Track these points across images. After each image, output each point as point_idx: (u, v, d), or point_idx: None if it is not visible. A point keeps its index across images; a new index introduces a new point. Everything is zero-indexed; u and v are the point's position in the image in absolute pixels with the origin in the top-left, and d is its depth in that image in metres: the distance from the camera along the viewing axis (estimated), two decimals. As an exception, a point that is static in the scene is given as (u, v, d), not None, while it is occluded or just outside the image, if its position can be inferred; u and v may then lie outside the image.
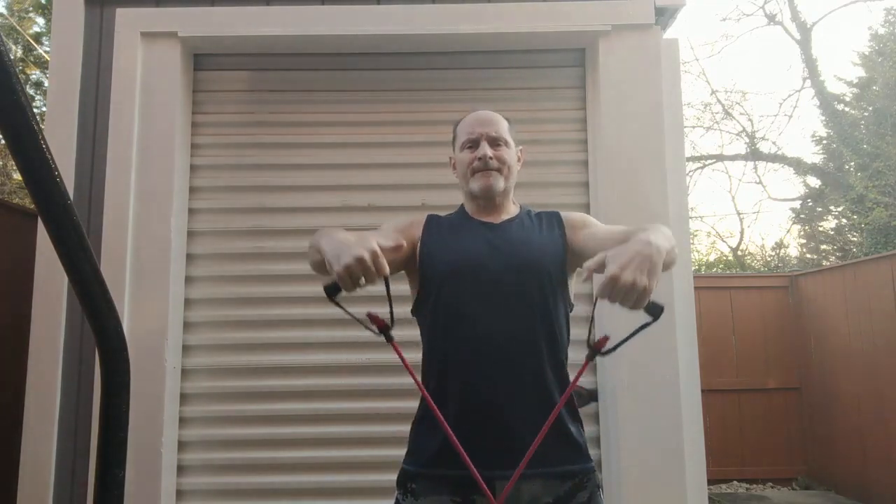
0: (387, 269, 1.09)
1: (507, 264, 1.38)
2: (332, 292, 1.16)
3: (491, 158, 1.44)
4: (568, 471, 1.31)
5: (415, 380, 1.23)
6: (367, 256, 1.07)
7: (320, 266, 1.23)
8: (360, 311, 1.18)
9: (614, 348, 1.14)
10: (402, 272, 1.50)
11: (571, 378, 1.42)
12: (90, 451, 2.20)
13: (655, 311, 1.08)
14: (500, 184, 1.46)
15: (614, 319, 1.26)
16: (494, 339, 1.32)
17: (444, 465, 1.29)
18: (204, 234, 2.46)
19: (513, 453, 1.28)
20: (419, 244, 1.45)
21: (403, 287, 1.53)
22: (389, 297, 1.19)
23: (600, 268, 1.06)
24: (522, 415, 1.30)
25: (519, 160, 1.54)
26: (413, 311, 1.48)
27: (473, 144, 1.47)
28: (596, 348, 1.14)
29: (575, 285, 1.50)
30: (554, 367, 1.36)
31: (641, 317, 1.08)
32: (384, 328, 1.19)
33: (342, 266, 1.07)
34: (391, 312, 1.20)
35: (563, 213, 1.52)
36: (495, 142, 1.46)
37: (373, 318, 1.18)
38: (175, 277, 2.34)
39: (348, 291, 1.12)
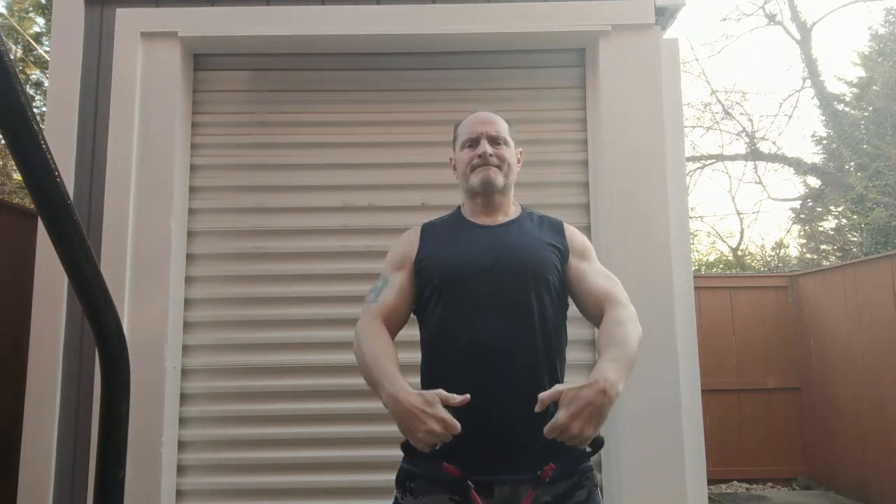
0: (458, 427, 1.14)
1: (505, 268, 1.38)
2: (409, 452, 1.25)
3: (491, 155, 1.45)
4: (565, 472, 1.31)
5: None
6: (437, 428, 1.13)
7: (369, 382, 1.29)
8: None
9: (559, 478, 1.26)
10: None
11: (567, 379, 1.43)
12: (90, 451, 2.20)
13: (597, 445, 1.20)
14: (499, 179, 1.46)
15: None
16: (492, 343, 1.32)
17: (439, 465, 1.29)
18: (204, 234, 2.46)
19: (511, 456, 1.28)
20: (416, 260, 1.45)
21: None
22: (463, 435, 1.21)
23: (555, 399, 1.13)
24: (520, 418, 1.29)
25: (518, 161, 1.54)
26: (414, 312, 1.48)
27: (473, 143, 1.48)
28: (543, 476, 1.24)
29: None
30: (551, 370, 1.36)
31: None
32: (463, 477, 1.24)
33: (417, 440, 1.15)
34: (465, 478, 1.25)
35: (567, 228, 1.52)
36: (495, 140, 1.47)
37: (449, 471, 1.24)
38: (175, 277, 2.33)
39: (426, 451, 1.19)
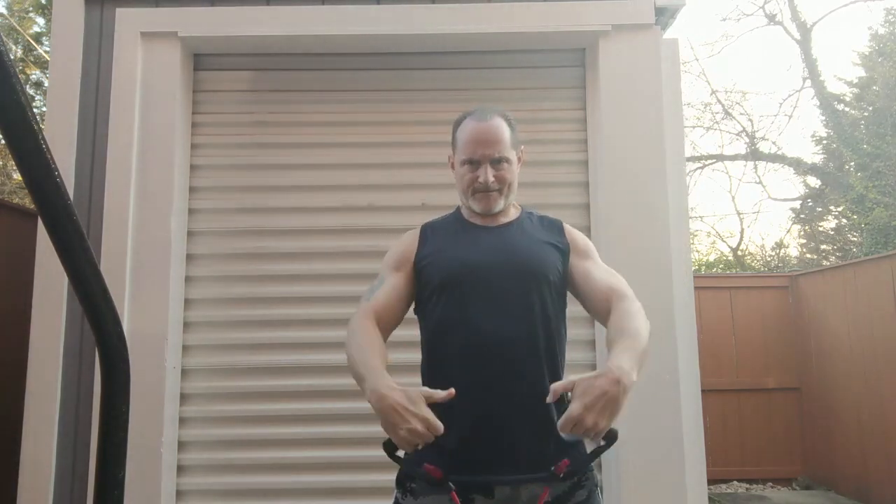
0: (441, 428, 1.12)
1: (505, 268, 1.37)
2: (391, 450, 1.22)
3: (493, 182, 1.42)
4: (566, 472, 1.31)
5: None
6: (420, 428, 1.11)
7: (357, 378, 1.28)
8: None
9: (571, 474, 1.23)
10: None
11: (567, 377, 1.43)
12: (90, 451, 2.20)
13: (611, 438, 1.15)
14: (499, 204, 1.45)
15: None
16: (493, 344, 1.32)
17: (439, 465, 1.29)
18: (204, 234, 2.46)
19: (512, 457, 1.28)
20: (414, 262, 1.45)
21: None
22: (445, 441, 1.20)
23: (568, 389, 1.11)
24: (521, 419, 1.29)
25: (519, 160, 1.53)
26: (414, 311, 1.48)
27: (474, 164, 1.43)
28: (556, 472, 1.21)
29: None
30: (552, 370, 1.36)
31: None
32: (444, 478, 1.22)
33: (399, 438, 1.13)
34: (448, 479, 1.24)
35: (567, 227, 1.51)
36: (497, 162, 1.43)
37: (430, 471, 1.22)
38: (175, 277, 2.34)
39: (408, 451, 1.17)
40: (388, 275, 1.44)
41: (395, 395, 1.15)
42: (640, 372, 1.14)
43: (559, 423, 1.09)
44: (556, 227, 1.50)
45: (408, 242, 1.49)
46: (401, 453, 1.23)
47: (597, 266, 1.45)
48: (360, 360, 1.26)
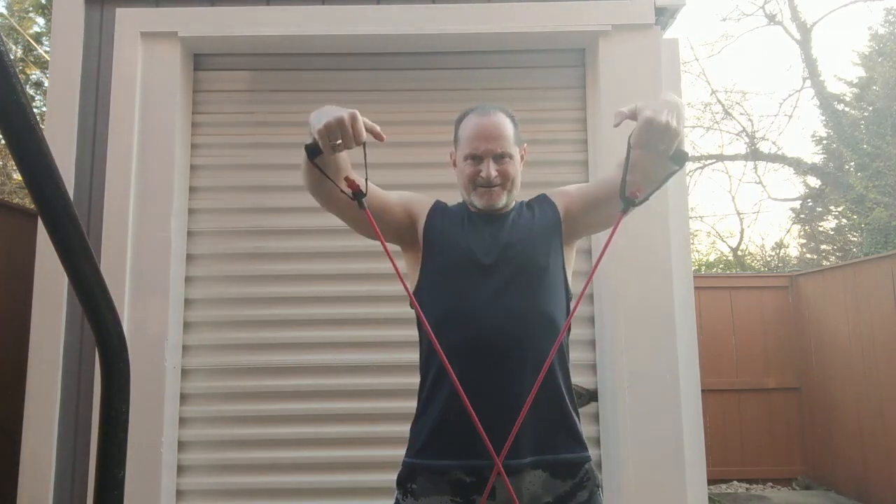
0: (364, 136, 1.18)
1: (507, 257, 1.39)
2: (312, 152, 1.22)
3: (495, 177, 1.42)
4: (567, 460, 1.31)
5: (383, 245, 1.25)
6: (346, 119, 1.16)
7: (306, 173, 1.30)
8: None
9: (647, 197, 1.21)
10: (398, 251, 1.50)
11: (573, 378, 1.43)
12: (90, 451, 2.20)
13: (681, 158, 1.17)
14: (502, 200, 1.45)
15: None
16: (495, 331, 1.32)
17: (441, 453, 1.29)
18: (204, 234, 2.46)
19: (514, 448, 1.28)
20: (423, 227, 1.46)
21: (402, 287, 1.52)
22: (366, 164, 1.25)
23: (633, 115, 1.15)
24: (521, 407, 1.30)
25: (522, 158, 1.53)
26: (411, 304, 1.48)
27: (476, 160, 1.44)
28: (631, 197, 1.19)
29: (574, 286, 1.50)
30: (559, 357, 1.36)
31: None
32: (357, 192, 1.23)
33: (323, 125, 1.16)
34: (366, 179, 1.26)
35: (550, 191, 1.56)
36: (500, 157, 1.43)
37: (349, 182, 1.23)
38: (175, 277, 2.34)
39: (327, 154, 1.19)
40: (393, 194, 1.49)
41: (335, 104, 1.22)
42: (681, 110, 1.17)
43: (633, 135, 1.15)
44: (543, 200, 1.53)
45: (421, 200, 1.54)
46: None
47: (591, 182, 1.50)
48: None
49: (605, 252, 1.22)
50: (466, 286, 1.36)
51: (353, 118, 1.17)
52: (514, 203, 1.53)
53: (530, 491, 1.29)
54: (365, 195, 1.24)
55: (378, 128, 1.23)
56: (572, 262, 1.51)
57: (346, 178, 1.23)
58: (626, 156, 1.17)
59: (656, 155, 1.16)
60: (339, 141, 1.16)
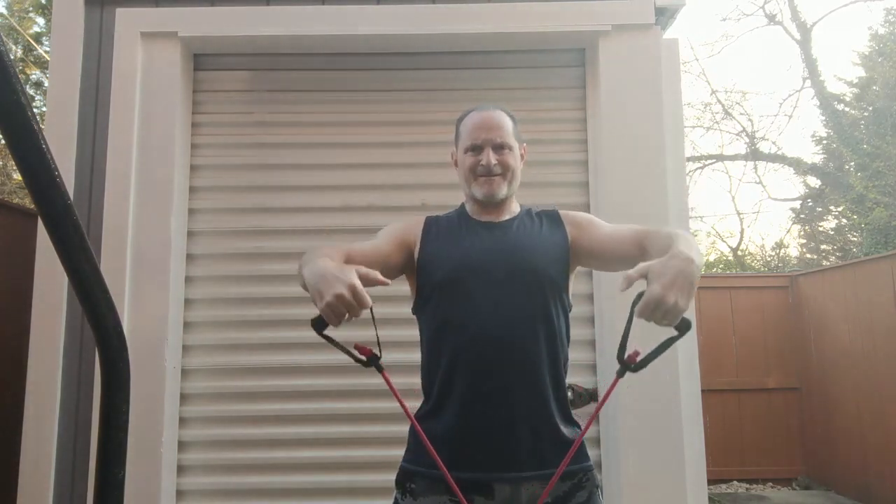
0: (368, 302, 1.11)
1: (508, 265, 1.37)
2: (319, 327, 1.18)
3: (495, 165, 1.43)
4: (566, 472, 1.31)
5: (402, 405, 1.22)
6: (346, 293, 1.09)
7: (305, 287, 1.23)
8: (346, 339, 1.19)
9: (644, 364, 1.15)
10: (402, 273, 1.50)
11: (568, 381, 1.43)
12: (90, 451, 2.20)
13: (684, 327, 1.12)
14: (503, 189, 1.45)
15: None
16: (495, 342, 1.32)
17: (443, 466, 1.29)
18: (204, 234, 2.46)
19: (512, 455, 1.28)
20: (418, 249, 1.44)
21: (402, 287, 1.53)
22: (375, 326, 1.22)
23: (641, 277, 1.09)
24: (521, 416, 1.29)
25: (522, 157, 1.53)
26: (413, 311, 1.48)
27: (477, 150, 1.45)
28: (628, 362, 1.15)
29: (574, 285, 1.50)
30: (552, 369, 1.35)
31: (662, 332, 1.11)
32: (372, 357, 1.20)
33: (324, 304, 1.10)
34: (377, 340, 1.22)
35: (562, 212, 1.52)
36: (500, 147, 1.44)
37: (360, 349, 1.20)
38: (175, 277, 2.33)
39: (335, 326, 1.14)
40: (380, 239, 1.44)
41: (328, 263, 1.15)
42: (700, 261, 1.13)
43: (638, 309, 1.08)
44: (554, 218, 1.50)
45: (412, 226, 1.49)
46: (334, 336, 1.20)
47: (608, 226, 1.45)
48: (307, 257, 1.25)
49: (609, 394, 1.18)
50: (464, 295, 1.35)
51: (353, 290, 1.09)
52: (518, 209, 1.52)
53: (529, 492, 1.29)
54: (380, 358, 1.21)
55: (376, 274, 1.16)
56: (572, 279, 1.50)
57: (357, 346, 1.20)
58: (628, 319, 1.11)
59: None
60: (346, 316, 1.12)
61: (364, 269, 1.15)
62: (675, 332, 1.12)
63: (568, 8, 2.44)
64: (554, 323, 1.37)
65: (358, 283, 1.10)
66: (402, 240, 1.45)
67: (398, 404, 1.21)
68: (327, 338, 1.19)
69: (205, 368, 2.39)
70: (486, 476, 1.25)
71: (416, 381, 1.45)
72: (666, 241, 1.20)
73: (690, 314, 2.37)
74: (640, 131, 2.38)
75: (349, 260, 1.31)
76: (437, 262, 1.41)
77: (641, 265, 1.10)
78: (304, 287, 1.22)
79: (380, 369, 1.20)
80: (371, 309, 1.13)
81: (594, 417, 1.22)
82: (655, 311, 1.06)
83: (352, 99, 2.55)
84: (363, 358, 1.20)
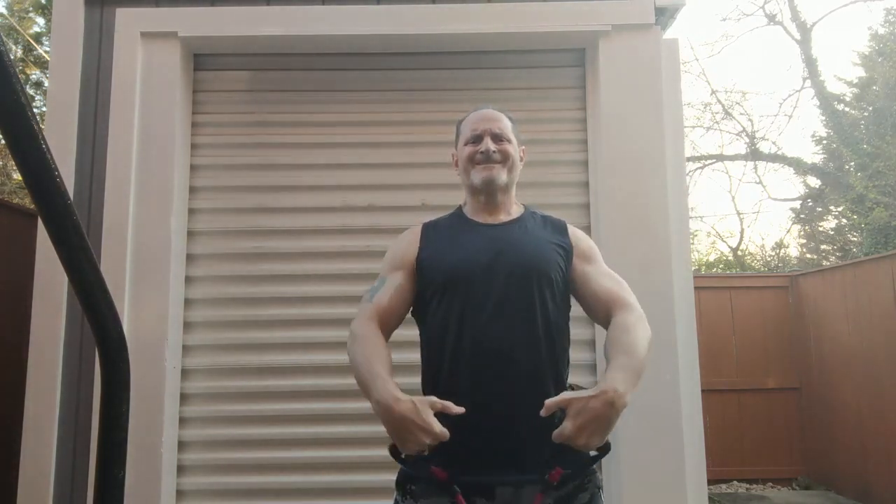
0: (447, 436, 1.15)
1: (508, 267, 1.36)
2: (397, 454, 1.25)
3: (494, 152, 1.44)
4: (568, 475, 1.31)
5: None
6: (426, 440, 1.14)
7: (363, 389, 1.28)
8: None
9: (564, 482, 1.24)
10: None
11: (570, 381, 1.43)
12: (90, 451, 2.20)
13: (604, 450, 1.20)
14: (502, 176, 1.44)
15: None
16: (495, 343, 1.31)
17: (441, 467, 1.28)
18: (204, 234, 2.46)
19: (513, 458, 1.28)
20: (417, 259, 1.44)
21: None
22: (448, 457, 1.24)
23: (559, 409, 1.14)
24: (523, 419, 1.29)
25: (521, 158, 1.53)
26: (413, 313, 1.47)
27: (476, 140, 1.46)
28: (549, 480, 1.22)
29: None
30: (554, 370, 1.35)
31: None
32: (450, 479, 1.23)
33: (409, 451, 1.17)
34: (453, 472, 1.25)
35: (571, 228, 1.51)
36: (498, 137, 1.46)
37: (437, 473, 1.24)
38: (175, 277, 2.33)
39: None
40: (389, 275, 1.44)
41: (402, 406, 1.15)
42: (635, 388, 1.18)
43: (553, 434, 1.13)
44: (560, 227, 1.50)
45: (409, 241, 1.48)
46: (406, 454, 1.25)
47: (599, 270, 1.45)
48: (364, 367, 1.26)
49: None
50: (464, 298, 1.34)
51: (434, 436, 1.13)
52: (520, 211, 1.52)
53: (531, 493, 1.28)
54: (456, 480, 1.24)
55: (450, 407, 1.18)
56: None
57: (434, 471, 1.23)
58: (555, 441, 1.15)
59: None
60: (425, 451, 1.16)
61: (439, 403, 1.17)
62: (595, 452, 1.20)
63: (568, 8, 2.44)
64: (554, 323, 1.36)
65: (436, 424, 1.14)
66: (405, 262, 1.44)
67: None
68: (405, 462, 1.27)
69: (205, 368, 2.39)
70: (487, 479, 1.25)
71: (416, 380, 1.45)
72: (612, 348, 1.25)
73: (690, 320, 2.37)
74: (640, 131, 2.38)
75: (382, 323, 1.34)
76: (437, 266, 1.40)
77: (562, 396, 1.15)
78: (361, 382, 1.27)
79: (456, 492, 1.23)
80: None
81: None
82: (567, 443, 1.12)
83: (352, 99, 2.55)
84: (441, 480, 1.24)
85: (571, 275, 1.43)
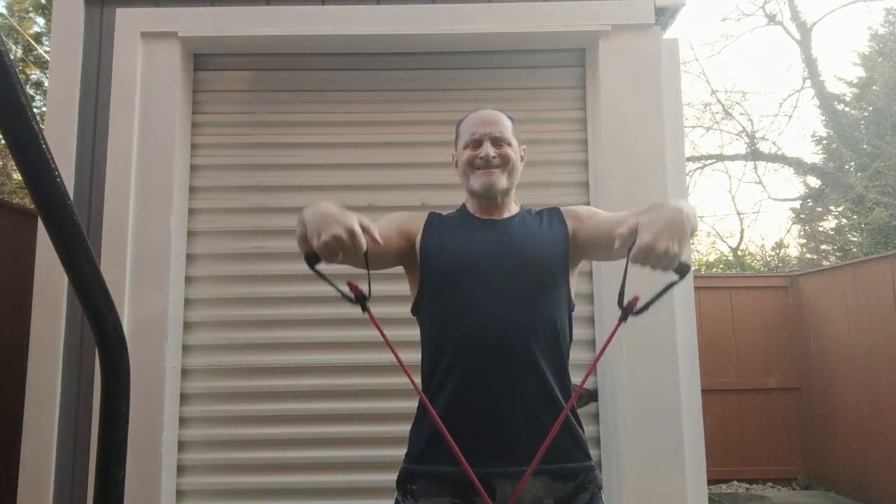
0: (364, 247, 1.12)
1: (509, 261, 1.37)
2: (312, 262, 1.20)
3: (494, 157, 1.43)
4: (569, 469, 1.31)
5: (395, 354, 1.23)
6: (344, 236, 1.10)
7: (303, 239, 1.23)
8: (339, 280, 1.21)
9: (646, 307, 1.17)
10: (401, 270, 1.50)
11: (574, 378, 1.43)
12: (90, 451, 2.19)
13: (683, 270, 1.14)
14: (502, 181, 1.45)
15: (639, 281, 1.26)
16: (495, 337, 1.31)
17: (440, 460, 1.28)
18: (204, 234, 2.46)
19: (512, 450, 1.28)
20: (419, 243, 1.45)
21: (402, 287, 1.53)
22: (368, 272, 1.24)
23: (633, 234, 1.10)
24: (523, 412, 1.29)
25: (521, 159, 1.54)
26: (413, 311, 1.48)
27: (476, 144, 1.46)
28: (628, 309, 1.17)
29: (576, 284, 1.50)
30: (555, 364, 1.35)
31: (664, 278, 1.14)
32: (361, 297, 1.22)
33: (321, 243, 1.11)
34: (369, 286, 1.24)
35: (564, 208, 1.53)
36: (498, 141, 1.45)
37: (351, 287, 1.21)
38: (175, 277, 2.33)
39: (328, 262, 1.16)
40: (382, 221, 1.43)
41: (329, 206, 1.15)
42: (693, 219, 1.14)
43: (631, 255, 1.09)
44: (555, 213, 1.51)
45: (415, 217, 1.50)
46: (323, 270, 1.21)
47: (608, 213, 1.46)
48: (308, 204, 1.23)
49: (609, 343, 1.21)
50: (465, 290, 1.35)
51: (352, 234, 1.10)
52: (519, 208, 1.53)
53: (531, 493, 1.28)
54: (368, 299, 1.22)
55: (374, 229, 1.15)
56: (575, 278, 1.49)
57: (350, 284, 1.21)
58: (625, 266, 1.13)
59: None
60: (340, 256, 1.12)
61: (366, 221, 1.15)
62: (675, 277, 1.14)
63: (568, 8, 2.44)
64: (556, 318, 1.36)
65: (357, 228, 1.11)
66: (404, 227, 1.45)
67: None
68: (319, 272, 1.20)
69: (205, 368, 2.39)
70: (484, 471, 1.25)
71: (416, 380, 1.45)
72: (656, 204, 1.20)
73: (690, 320, 2.37)
74: (640, 131, 2.38)
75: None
76: (439, 257, 1.41)
77: (631, 221, 1.12)
78: (298, 238, 1.23)
79: (365, 309, 1.22)
80: (366, 254, 1.15)
81: (593, 368, 1.26)
82: (648, 257, 1.08)
83: (352, 99, 2.55)
84: (352, 296, 1.21)
85: (583, 239, 1.42)
